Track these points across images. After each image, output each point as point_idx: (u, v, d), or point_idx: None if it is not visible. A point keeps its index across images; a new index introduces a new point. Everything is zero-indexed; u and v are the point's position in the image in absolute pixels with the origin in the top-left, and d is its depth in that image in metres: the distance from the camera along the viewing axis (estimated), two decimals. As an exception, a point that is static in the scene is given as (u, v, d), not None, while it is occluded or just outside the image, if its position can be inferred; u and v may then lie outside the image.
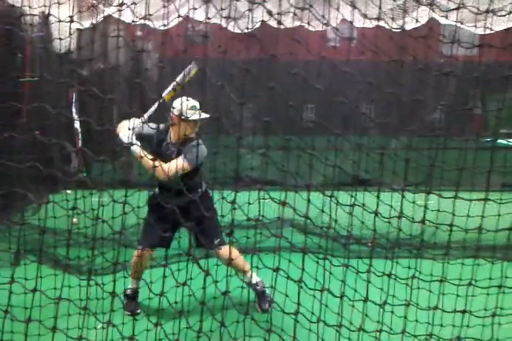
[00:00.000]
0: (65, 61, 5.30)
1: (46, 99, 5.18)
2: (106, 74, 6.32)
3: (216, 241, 3.76)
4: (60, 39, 3.75)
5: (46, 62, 5.55)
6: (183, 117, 3.54)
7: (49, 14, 2.70)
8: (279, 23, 2.28)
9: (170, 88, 3.63)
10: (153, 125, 3.69)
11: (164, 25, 4.03)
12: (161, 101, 3.58)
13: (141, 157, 3.40)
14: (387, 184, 3.20)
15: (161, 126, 3.76)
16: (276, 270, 2.21)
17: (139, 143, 3.44)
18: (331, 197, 2.39)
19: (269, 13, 2.25)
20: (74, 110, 6.59)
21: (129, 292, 3.89)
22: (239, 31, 5.49)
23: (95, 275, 2.58)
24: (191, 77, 3.57)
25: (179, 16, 4.74)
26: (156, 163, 3.27)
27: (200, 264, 2.43)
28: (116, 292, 2.57)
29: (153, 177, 3.52)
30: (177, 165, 3.43)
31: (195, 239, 3.71)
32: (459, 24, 4.91)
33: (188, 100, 3.56)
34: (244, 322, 2.22)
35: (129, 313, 3.75)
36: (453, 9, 2.46)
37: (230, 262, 3.42)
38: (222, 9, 2.85)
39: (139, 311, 3.81)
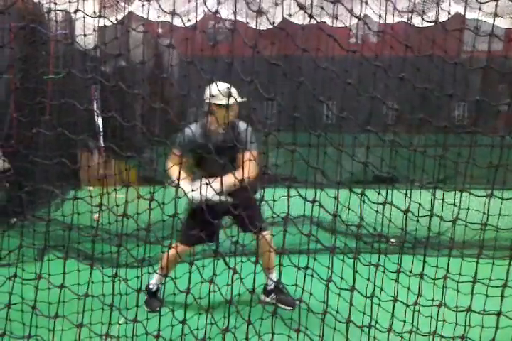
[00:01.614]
0: (87, 58, 5.33)
1: (69, 96, 5.20)
2: (128, 72, 6.35)
3: (260, 225, 3.62)
4: (85, 35, 3.77)
5: (70, 59, 5.59)
6: (217, 103, 3.45)
7: (77, 10, 2.68)
8: (310, 16, 2.22)
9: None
10: (189, 127, 3.55)
11: (188, 21, 4.00)
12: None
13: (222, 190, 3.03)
14: (416, 181, 3.14)
15: (197, 123, 3.68)
16: (306, 268, 2.18)
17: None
18: (361, 194, 2.33)
19: (301, 6, 2.19)
20: (96, 106, 6.67)
21: (151, 287, 3.88)
22: (261, 28, 5.47)
23: (119, 270, 2.56)
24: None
25: (203, 12, 4.71)
26: (229, 179, 2.93)
27: (226, 261, 2.41)
28: (141, 288, 2.56)
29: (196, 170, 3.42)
30: (250, 159, 3.20)
31: (238, 225, 3.55)
32: (485, 18, 4.81)
33: (218, 84, 3.41)
34: (272, 320, 2.19)
35: (149, 310, 3.73)
36: (488, 1, 2.38)
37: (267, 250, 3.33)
38: (248, 3, 2.80)
39: (159, 308, 3.77)
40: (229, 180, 2.89)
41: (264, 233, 3.61)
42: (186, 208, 3.69)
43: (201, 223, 3.26)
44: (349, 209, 2.72)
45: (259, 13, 3.51)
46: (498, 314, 2.08)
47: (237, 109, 3.61)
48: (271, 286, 3.88)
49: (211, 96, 3.46)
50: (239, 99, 3.45)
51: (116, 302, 2.62)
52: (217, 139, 3.56)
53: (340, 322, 2.27)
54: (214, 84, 3.42)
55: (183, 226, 3.69)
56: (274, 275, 3.84)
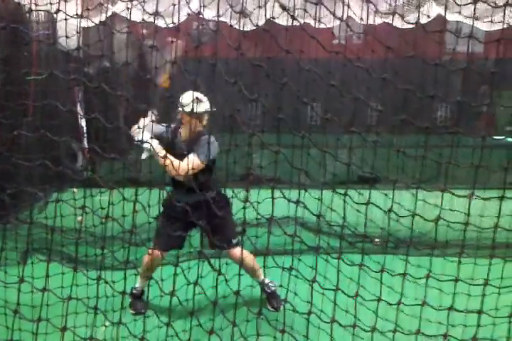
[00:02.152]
0: (70, 59, 5.29)
1: (52, 97, 5.16)
2: (111, 73, 6.31)
3: (234, 241, 3.71)
4: (67, 37, 3.73)
5: (52, 60, 5.54)
6: (185, 110, 3.51)
7: (58, 10, 2.66)
8: (293, 18, 2.24)
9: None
10: (163, 124, 3.68)
11: (173, 23, 3.99)
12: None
13: (157, 153, 3.36)
14: (398, 182, 3.18)
15: (172, 125, 3.74)
16: (290, 269, 2.19)
17: (152, 141, 3.41)
18: (344, 195, 2.36)
19: (284, 8, 2.21)
20: (79, 108, 6.61)
21: (135, 291, 3.87)
22: (246, 29, 5.47)
23: (104, 272, 2.55)
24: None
25: (188, 14, 4.70)
26: (168, 160, 3.23)
27: (211, 263, 2.41)
28: (126, 290, 2.55)
29: (166, 175, 3.49)
30: (189, 162, 3.37)
31: (208, 239, 3.68)
32: (464, 20, 4.88)
33: (190, 93, 3.50)
34: (256, 321, 2.20)
35: (134, 312, 3.74)
36: (468, 3, 2.42)
37: (242, 263, 3.41)
38: (231, 6, 2.81)
39: (144, 311, 3.77)
40: (163, 154, 3.18)
41: (236, 250, 3.63)
42: (160, 212, 3.70)
43: (171, 225, 3.32)
44: (332, 209, 2.75)
45: (243, 14, 3.51)
46: (479, 312, 2.11)
47: (207, 118, 3.64)
48: (270, 289, 3.89)
49: (181, 104, 3.54)
50: (207, 108, 3.51)
51: (101, 305, 2.61)
52: (181, 146, 3.64)
53: (325, 322, 2.29)
54: (186, 92, 3.52)
55: (157, 230, 3.70)
56: (262, 278, 3.85)
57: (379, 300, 2.30)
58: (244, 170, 3.70)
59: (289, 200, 2.23)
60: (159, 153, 3.34)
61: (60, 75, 2.59)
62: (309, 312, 2.18)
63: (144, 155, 3.43)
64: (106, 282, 2.49)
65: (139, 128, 3.43)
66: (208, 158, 3.42)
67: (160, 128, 3.60)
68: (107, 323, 2.61)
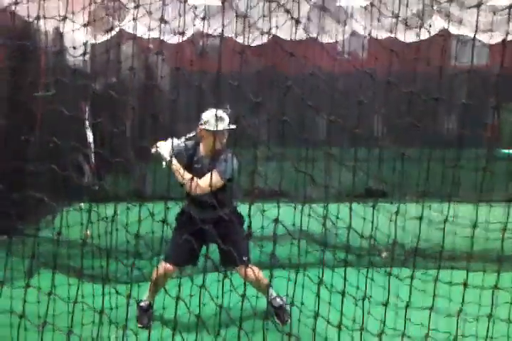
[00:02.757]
0: (78, 75, 5.36)
1: (59, 112, 5.21)
2: (119, 88, 6.37)
3: (245, 258, 3.69)
4: (74, 54, 3.79)
5: (60, 75, 5.60)
6: (207, 128, 3.53)
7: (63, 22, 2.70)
8: (306, 32, 2.26)
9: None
10: (183, 140, 3.72)
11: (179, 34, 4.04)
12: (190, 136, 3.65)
13: (175, 171, 3.41)
14: (402, 196, 3.18)
15: (191, 141, 3.77)
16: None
17: (173, 158, 3.44)
18: (350, 208, 2.35)
19: (296, 21, 2.23)
20: (87, 123, 6.66)
21: (143, 304, 3.86)
22: (251, 44, 5.53)
23: (109, 284, 2.55)
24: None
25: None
26: (188, 176, 3.26)
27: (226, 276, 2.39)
28: (131, 303, 2.54)
29: (183, 191, 3.51)
30: (209, 179, 3.36)
31: (221, 256, 3.67)
32: (468, 33, 4.90)
33: (212, 111, 3.53)
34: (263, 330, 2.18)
35: (141, 326, 3.73)
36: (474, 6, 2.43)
37: (249, 280, 3.40)
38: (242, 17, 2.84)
39: (151, 324, 3.77)
40: (184, 176, 3.32)
41: (246, 268, 3.61)
42: (175, 226, 3.70)
43: (186, 241, 3.32)
44: (337, 218, 2.74)
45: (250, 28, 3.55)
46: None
47: (227, 136, 3.67)
48: (278, 303, 3.87)
49: (202, 120, 3.58)
50: (227, 126, 3.55)
51: (107, 317, 2.60)
52: (202, 163, 3.66)
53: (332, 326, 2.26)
54: (209, 110, 3.55)
55: (170, 243, 3.70)
56: (272, 292, 3.83)
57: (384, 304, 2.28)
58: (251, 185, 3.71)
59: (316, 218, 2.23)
60: (178, 171, 3.39)
61: (65, 91, 2.60)
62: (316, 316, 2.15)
63: (164, 164, 3.49)
64: (112, 292, 2.48)
65: (160, 144, 3.49)
66: (226, 177, 3.44)
67: (180, 144, 3.64)
68: (113, 336, 2.60)
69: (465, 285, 2.15)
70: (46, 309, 2.34)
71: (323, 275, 2.19)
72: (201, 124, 3.61)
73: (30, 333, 2.39)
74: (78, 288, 2.43)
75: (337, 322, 2.27)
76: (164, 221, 2.48)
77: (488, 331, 2.22)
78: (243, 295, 2.18)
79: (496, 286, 2.11)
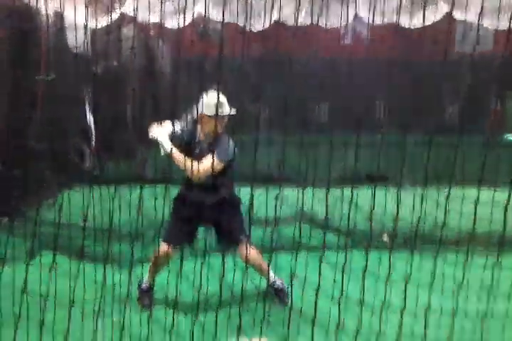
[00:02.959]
0: (79, 59, 5.33)
1: (61, 97, 5.21)
2: (120, 73, 6.34)
3: (242, 237, 3.72)
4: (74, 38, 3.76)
5: (61, 60, 5.58)
6: (208, 114, 3.52)
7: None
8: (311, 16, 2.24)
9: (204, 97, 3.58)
10: (182, 124, 3.71)
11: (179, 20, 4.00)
12: (190, 118, 3.61)
13: (174, 156, 3.40)
14: (406, 180, 3.17)
15: (190, 125, 3.76)
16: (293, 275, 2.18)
17: (170, 143, 3.45)
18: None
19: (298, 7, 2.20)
20: (87, 108, 6.64)
21: (144, 286, 3.88)
22: (254, 30, 5.49)
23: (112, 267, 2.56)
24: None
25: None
26: (188, 162, 3.24)
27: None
28: (131, 286, 2.54)
29: (182, 173, 3.51)
30: (208, 163, 3.38)
31: (219, 237, 3.69)
32: (473, 18, 4.85)
33: (212, 95, 3.52)
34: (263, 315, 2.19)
35: (142, 306, 3.76)
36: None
37: (248, 260, 3.43)
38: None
39: (153, 304, 3.80)
40: (183, 160, 3.31)
41: (244, 248, 3.62)
42: (171, 206, 3.72)
43: (183, 222, 3.34)
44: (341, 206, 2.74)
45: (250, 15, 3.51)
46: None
47: (226, 120, 3.65)
48: (278, 285, 3.89)
49: (201, 105, 3.54)
50: (229, 111, 3.53)
51: (108, 304, 2.61)
52: (201, 147, 3.66)
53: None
54: (207, 93, 3.52)
55: (167, 224, 3.72)
56: (272, 275, 3.85)
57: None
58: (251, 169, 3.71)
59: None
60: (177, 156, 3.39)
61: (65, 76, 2.58)
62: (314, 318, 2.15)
63: (162, 152, 3.47)
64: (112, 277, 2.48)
65: (156, 129, 3.48)
66: (226, 159, 3.43)
67: (178, 127, 3.62)
68: (115, 319, 2.62)
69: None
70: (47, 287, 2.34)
71: (324, 247, 2.18)
72: (200, 109, 3.58)
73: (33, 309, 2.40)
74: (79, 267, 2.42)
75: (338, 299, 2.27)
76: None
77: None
78: (246, 269, 2.18)
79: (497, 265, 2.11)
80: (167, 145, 3.45)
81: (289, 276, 2.26)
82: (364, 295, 2.33)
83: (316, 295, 2.09)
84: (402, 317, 2.30)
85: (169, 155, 3.41)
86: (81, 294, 2.49)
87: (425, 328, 2.37)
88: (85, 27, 3.87)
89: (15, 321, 2.35)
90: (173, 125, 3.54)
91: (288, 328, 2.25)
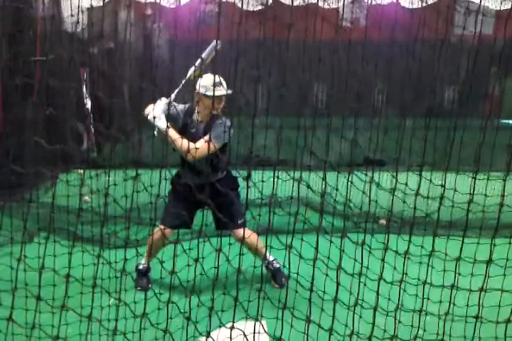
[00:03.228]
0: (75, 40, 5.26)
1: (57, 78, 5.15)
2: (116, 53, 6.28)
3: (240, 221, 3.74)
4: (72, 16, 3.72)
5: (57, 40, 5.51)
6: (205, 93, 3.50)
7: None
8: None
9: (195, 66, 3.55)
10: (179, 104, 3.69)
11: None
12: (186, 79, 3.54)
13: (169, 136, 3.40)
14: (403, 163, 3.17)
15: (187, 104, 3.74)
16: (289, 248, 2.19)
17: (166, 122, 3.43)
18: (348, 174, 2.35)
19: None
20: (85, 89, 6.60)
21: (141, 268, 3.92)
22: (251, 9, 5.43)
23: (107, 251, 2.57)
24: (214, 55, 3.49)
25: None
26: (184, 142, 3.24)
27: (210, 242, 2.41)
28: (126, 270, 2.56)
29: (176, 154, 3.51)
30: (203, 144, 3.37)
31: (216, 220, 3.72)
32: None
33: (210, 76, 3.50)
34: (258, 300, 2.21)
35: (139, 289, 3.80)
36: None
37: (245, 243, 3.46)
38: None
39: (150, 286, 3.85)
40: (178, 141, 3.33)
41: (240, 230, 3.65)
42: (169, 190, 3.73)
43: (180, 204, 3.35)
44: (337, 189, 2.74)
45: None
46: (481, 290, 2.12)
47: (224, 101, 3.63)
48: (274, 266, 3.93)
49: (199, 85, 3.52)
50: (227, 92, 3.51)
51: (104, 285, 2.63)
52: (197, 128, 3.64)
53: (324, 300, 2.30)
54: (206, 75, 3.50)
55: (165, 207, 3.74)
56: (268, 256, 3.89)
57: (380, 279, 2.30)
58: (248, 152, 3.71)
59: (293, 179, 2.22)
60: (172, 135, 3.38)
61: (62, 56, 2.55)
62: (311, 289, 2.18)
63: (156, 132, 3.45)
64: (105, 262, 2.50)
65: (153, 108, 3.47)
66: (221, 142, 3.43)
67: (174, 108, 3.60)
68: (111, 300, 2.64)
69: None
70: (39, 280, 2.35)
71: (317, 245, 2.19)
72: (198, 89, 3.57)
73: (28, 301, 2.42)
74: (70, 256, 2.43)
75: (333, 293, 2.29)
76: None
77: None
78: (240, 254, 2.19)
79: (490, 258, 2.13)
80: (162, 123, 3.43)
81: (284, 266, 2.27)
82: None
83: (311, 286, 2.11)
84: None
85: (164, 135, 3.41)
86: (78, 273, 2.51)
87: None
88: (79, 7, 3.82)
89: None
90: (168, 104, 3.52)
91: (283, 309, 2.27)
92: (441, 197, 2.34)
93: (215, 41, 3.43)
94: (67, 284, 2.31)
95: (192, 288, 2.46)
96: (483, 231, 3.25)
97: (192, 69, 3.52)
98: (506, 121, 5.38)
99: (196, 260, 2.30)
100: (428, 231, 3.11)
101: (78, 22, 3.44)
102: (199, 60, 3.44)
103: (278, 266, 3.91)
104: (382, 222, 4.50)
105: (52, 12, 5.34)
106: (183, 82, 3.53)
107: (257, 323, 2.24)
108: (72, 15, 3.79)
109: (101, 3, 5.08)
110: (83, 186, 2.50)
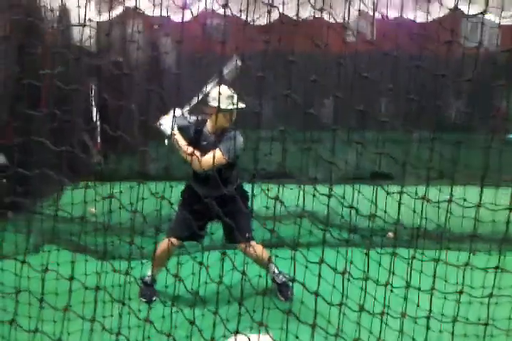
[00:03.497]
0: (84, 54, 5.32)
1: (66, 92, 5.20)
2: (125, 67, 6.32)
3: (248, 235, 3.73)
4: (81, 32, 3.76)
5: (66, 54, 5.56)
6: (218, 107, 3.50)
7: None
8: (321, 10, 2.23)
9: (213, 82, 3.57)
10: (191, 116, 3.70)
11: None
12: (203, 94, 3.58)
13: (179, 147, 3.42)
14: (407, 179, 3.15)
15: (199, 117, 3.75)
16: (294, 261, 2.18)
17: (178, 133, 3.46)
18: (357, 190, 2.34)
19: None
20: (93, 103, 6.66)
21: (146, 279, 3.90)
22: (258, 23, 5.46)
23: (112, 261, 2.57)
24: (235, 74, 3.51)
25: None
26: (193, 154, 3.26)
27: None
28: (133, 278, 2.55)
29: (188, 168, 3.52)
30: (213, 157, 3.37)
31: (226, 233, 3.70)
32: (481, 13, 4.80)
33: (223, 89, 3.50)
34: (262, 310, 2.19)
35: (144, 300, 3.78)
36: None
37: (251, 255, 3.46)
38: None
39: (154, 299, 3.82)
40: (188, 152, 3.31)
41: (252, 243, 3.65)
42: (179, 202, 3.72)
43: (190, 216, 3.35)
44: (342, 204, 2.74)
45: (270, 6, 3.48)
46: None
47: (235, 114, 3.65)
48: (280, 279, 3.91)
49: (211, 98, 3.55)
50: (239, 106, 3.53)
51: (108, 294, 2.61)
52: (208, 140, 3.65)
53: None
54: (218, 87, 3.51)
55: (175, 219, 3.72)
56: (274, 269, 3.86)
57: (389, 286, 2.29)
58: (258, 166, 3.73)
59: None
60: (183, 147, 3.40)
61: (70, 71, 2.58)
62: (316, 294, 2.14)
63: (166, 141, 3.48)
64: (114, 270, 2.49)
65: (164, 119, 3.50)
66: (232, 154, 3.44)
67: (186, 120, 3.62)
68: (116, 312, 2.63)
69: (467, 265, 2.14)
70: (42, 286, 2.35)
71: (323, 254, 2.18)
72: (210, 101, 3.59)
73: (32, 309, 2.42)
74: (72, 262, 2.43)
75: (338, 302, 2.27)
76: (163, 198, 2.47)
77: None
78: (243, 273, 2.18)
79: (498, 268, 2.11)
80: (174, 135, 3.46)
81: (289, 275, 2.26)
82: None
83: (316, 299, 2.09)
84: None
85: (174, 146, 3.43)
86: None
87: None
88: (89, 20, 3.88)
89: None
90: (177, 112, 3.54)
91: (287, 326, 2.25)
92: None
93: (235, 59, 3.45)
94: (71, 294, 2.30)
95: (195, 298, 2.45)
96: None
97: (210, 84, 3.54)
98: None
99: (204, 266, 2.28)
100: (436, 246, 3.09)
101: (84, 35, 3.48)
102: (217, 76, 3.45)
103: (284, 279, 3.89)
104: (390, 234, 4.46)
105: (61, 24, 5.40)
106: (199, 96, 3.57)
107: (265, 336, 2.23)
108: (80, 28, 3.82)
109: (109, 16, 5.16)
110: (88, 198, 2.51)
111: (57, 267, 2.56)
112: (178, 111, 3.52)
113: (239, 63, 3.47)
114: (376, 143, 3.97)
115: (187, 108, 3.59)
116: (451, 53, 3.19)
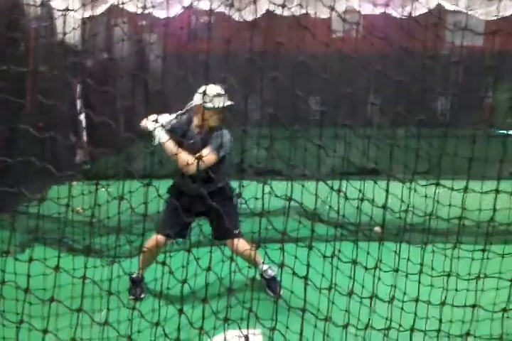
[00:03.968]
0: (69, 52, 5.27)
1: (51, 91, 5.15)
2: (110, 66, 6.28)
3: (235, 231, 3.72)
4: (64, 31, 3.71)
5: (50, 53, 5.51)
6: (204, 105, 3.47)
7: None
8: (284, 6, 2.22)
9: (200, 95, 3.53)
10: (176, 115, 3.67)
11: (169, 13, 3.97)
12: (188, 108, 3.58)
13: (167, 148, 3.40)
14: (395, 174, 3.17)
15: (185, 115, 3.73)
16: (282, 266, 2.19)
17: (164, 133, 3.43)
18: (337, 190, 2.34)
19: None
20: (78, 102, 6.59)
21: (134, 276, 3.87)
22: (243, 20, 5.44)
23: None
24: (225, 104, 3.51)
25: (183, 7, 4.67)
26: (181, 154, 3.22)
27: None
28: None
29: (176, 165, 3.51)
30: (201, 157, 3.33)
31: (214, 230, 3.70)
32: (463, 10, 4.84)
33: (211, 87, 3.46)
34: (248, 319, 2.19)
35: (132, 298, 3.76)
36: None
37: (239, 251, 3.45)
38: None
39: (143, 296, 3.81)
40: (175, 152, 3.29)
41: (235, 240, 3.65)
42: (165, 199, 3.71)
43: (177, 214, 3.34)
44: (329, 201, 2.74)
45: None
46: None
47: (223, 112, 3.63)
48: (269, 275, 3.90)
49: (197, 96, 3.52)
50: (227, 103, 3.51)
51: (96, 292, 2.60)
52: (195, 139, 3.63)
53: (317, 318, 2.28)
54: (206, 86, 3.47)
55: (162, 215, 3.71)
56: (263, 264, 3.86)
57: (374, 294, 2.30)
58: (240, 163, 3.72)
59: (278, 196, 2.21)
60: (171, 149, 3.37)
61: (55, 71, 2.56)
62: (303, 310, 2.15)
63: (155, 141, 3.45)
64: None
65: (150, 119, 3.47)
66: (220, 154, 3.44)
67: (173, 119, 3.60)
68: (103, 312, 2.62)
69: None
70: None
71: (311, 243, 2.19)
72: (197, 100, 3.56)
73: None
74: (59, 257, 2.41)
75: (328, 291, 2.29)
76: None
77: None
78: (235, 269, 2.18)
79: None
80: (161, 135, 3.44)
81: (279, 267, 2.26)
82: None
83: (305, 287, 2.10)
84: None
85: (162, 145, 3.40)
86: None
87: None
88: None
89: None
90: (167, 117, 3.52)
91: (276, 320, 2.25)
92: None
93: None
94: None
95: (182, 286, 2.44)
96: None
97: (196, 97, 3.52)
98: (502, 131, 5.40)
99: (194, 257, 2.28)
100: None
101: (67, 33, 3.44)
102: (202, 94, 3.40)
103: (273, 274, 3.89)
104: (377, 229, 4.48)
105: (45, 23, 5.34)
106: (184, 109, 3.57)
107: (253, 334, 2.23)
108: (65, 26, 3.77)
109: (94, 13, 5.11)
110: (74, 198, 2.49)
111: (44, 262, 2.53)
112: (165, 118, 3.51)
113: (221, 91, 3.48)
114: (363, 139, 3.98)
115: (173, 115, 3.58)
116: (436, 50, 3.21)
